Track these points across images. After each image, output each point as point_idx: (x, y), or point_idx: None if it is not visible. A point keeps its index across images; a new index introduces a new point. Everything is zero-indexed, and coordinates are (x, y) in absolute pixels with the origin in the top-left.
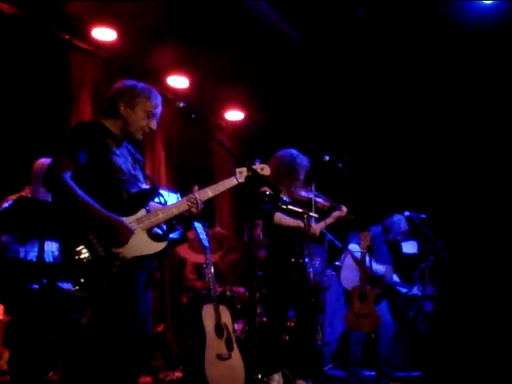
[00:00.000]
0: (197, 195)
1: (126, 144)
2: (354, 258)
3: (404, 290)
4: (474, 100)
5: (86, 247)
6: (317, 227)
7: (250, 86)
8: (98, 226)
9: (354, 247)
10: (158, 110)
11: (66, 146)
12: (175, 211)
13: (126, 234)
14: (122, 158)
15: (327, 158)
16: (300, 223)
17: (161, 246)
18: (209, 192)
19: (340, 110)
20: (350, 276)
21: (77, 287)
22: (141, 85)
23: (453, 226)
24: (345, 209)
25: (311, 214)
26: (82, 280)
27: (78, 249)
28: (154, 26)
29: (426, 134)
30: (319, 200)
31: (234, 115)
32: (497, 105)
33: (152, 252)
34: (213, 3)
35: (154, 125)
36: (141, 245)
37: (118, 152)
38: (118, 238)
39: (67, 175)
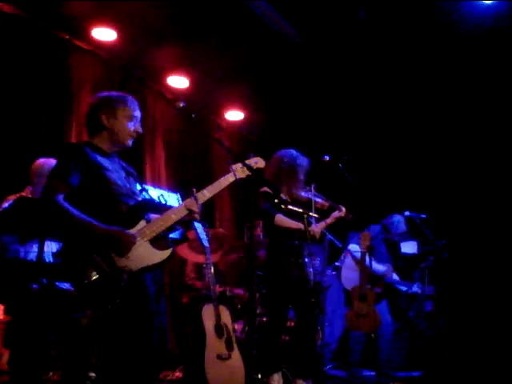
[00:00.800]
0: (195, 199)
1: (118, 159)
2: (354, 258)
3: (404, 288)
4: (473, 100)
5: (92, 266)
6: (317, 229)
7: (250, 85)
8: (99, 242)
9: (353, 247)
10: (138, 114)
11: (56, 171)
12: (175, 218)
13: (129, 241)
14: (115, 173)
15: (327, 157)
16: (300, 225)
17: (165, 254)
18: (206, 193)
19: (340, 109)
20: (349, 276)
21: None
22: (114, 93)
23: (453, 226)
24: (344, 209)
25: (311, 214)
26: (96, 301)
27: (84, 269)
28: (153, 26)
29: (425, 133)
30: (318, 200)
31: (234, 115)
32: (496, 105)
33: (157, 261)
34: (213, 3)
35: (139, 128)
36: (145, 255)
37: (109, 167)
38: (121, 247)
39: (60, 197)
